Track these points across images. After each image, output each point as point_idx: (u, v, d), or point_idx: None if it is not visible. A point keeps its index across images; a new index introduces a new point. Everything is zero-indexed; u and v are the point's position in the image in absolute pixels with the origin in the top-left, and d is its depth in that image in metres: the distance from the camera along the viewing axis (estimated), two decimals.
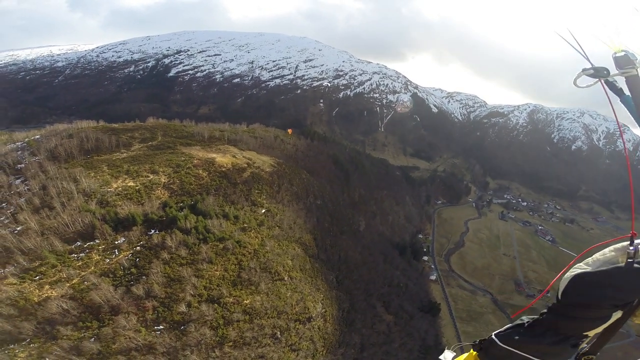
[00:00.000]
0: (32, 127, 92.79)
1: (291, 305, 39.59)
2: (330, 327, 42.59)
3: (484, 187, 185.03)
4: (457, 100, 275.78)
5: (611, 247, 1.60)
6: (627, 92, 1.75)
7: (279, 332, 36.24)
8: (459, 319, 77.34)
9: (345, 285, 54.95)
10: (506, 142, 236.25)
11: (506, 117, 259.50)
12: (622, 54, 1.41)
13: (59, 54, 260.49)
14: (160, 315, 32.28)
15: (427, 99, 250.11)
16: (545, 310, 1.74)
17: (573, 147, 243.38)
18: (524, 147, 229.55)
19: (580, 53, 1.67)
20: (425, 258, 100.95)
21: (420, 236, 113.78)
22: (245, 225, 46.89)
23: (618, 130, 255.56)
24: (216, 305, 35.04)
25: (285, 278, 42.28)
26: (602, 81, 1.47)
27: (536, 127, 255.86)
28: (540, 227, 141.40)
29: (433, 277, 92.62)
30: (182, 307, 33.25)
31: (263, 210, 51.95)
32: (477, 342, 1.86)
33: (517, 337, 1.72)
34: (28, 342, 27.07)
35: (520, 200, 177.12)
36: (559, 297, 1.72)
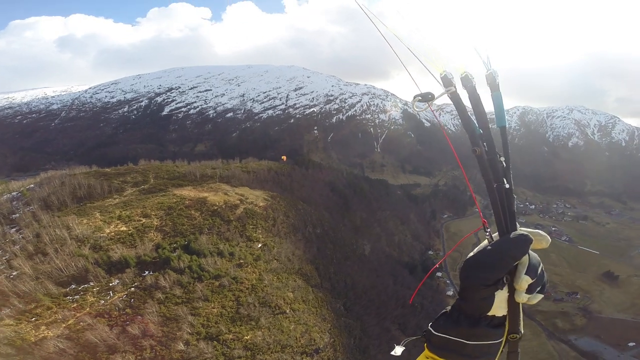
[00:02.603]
0: (31, 174, 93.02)
1: (295, 338, 37.67)
2: (342, 357, 40.14)
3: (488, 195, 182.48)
4: (447, 112, 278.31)
5: (495, 234, 1.79)
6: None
7: None
8: None
9: (355, 311, 52.43)
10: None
11: None
12: (444, 73, 1.68)
13: (54, 96, 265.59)
14: (158, 353, 31.49)
15: (418, 114, 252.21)
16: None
17: (570, 144, 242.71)
18: (520, 150, 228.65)
19: (412, 79, 1.94)
20: (439, 274, 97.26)
21: (431, 252, 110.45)
22: (242, 261, 45.79)
23: (610, 122, 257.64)
24: (215, 342, 33.95)
25: (287, 311, 40.34)
26: (431, 104, 1.74)
27: (529, 128, 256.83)
28: (554, 229, 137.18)
29: (450, 293, 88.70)
30: (181, 346, 32.35)
31: (259, 245, 50.94)
32: (423, 333, 1.88)
33: (442, 324, 1.78)
34: None
35: (527, 203, 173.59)
36: None
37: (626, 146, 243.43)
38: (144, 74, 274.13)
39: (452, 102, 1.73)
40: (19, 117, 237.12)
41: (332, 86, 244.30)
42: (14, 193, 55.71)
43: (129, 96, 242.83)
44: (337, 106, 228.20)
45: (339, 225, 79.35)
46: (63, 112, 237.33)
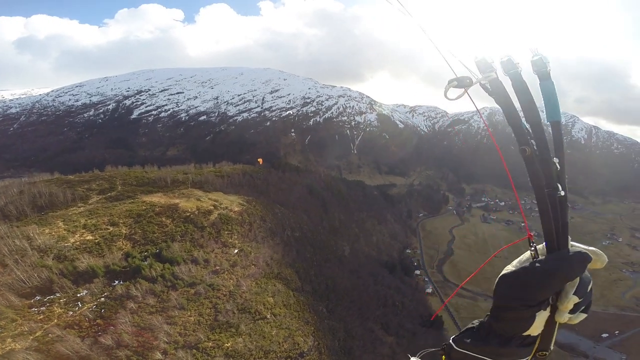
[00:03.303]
0: None
1: (278, 342, 36.47)
2: (327, 359, 39.20)
3: (460, 193, 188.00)
4: (420, 114, 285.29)
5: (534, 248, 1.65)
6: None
7: None
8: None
9: (338, 313, 51.77)
10: (472, 147, 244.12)
11: (467, 123, 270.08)
12: (481, 57, 1.52)
13: (12, 99, 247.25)
14: None
15: (392, 115, 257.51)
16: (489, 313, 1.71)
17: None
18: (489, 150, 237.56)
19: (448, 64, 1.69)
20: (418, 272, 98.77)
21: (409, 251, 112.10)
22: (217, 267, 44.07)
23: (570, 121, 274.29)
24: (194, 350, 32.42)
25: (268, 316, 39.07)
26: (468, 90, 1.55)
27: (496, 128, 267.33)
28: (523, 224, 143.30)
29: (429, 290, 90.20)
30: (158, 355, 30.81)
31: (235, 251, 49.34)
32: (442, 347, 1.80)
33: (468, 340, 1.69)
34: None
35: (497, 200, 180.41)
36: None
37: (585, 144, 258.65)
38: (111, 76, 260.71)
39: (490, 91, 1.48)
40: None
41: (309, 89, 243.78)
42: None
43: (95, 99, 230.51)
44: (314, 109, 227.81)
45: (318, 228, 78.67)
46: (22, 117, 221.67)
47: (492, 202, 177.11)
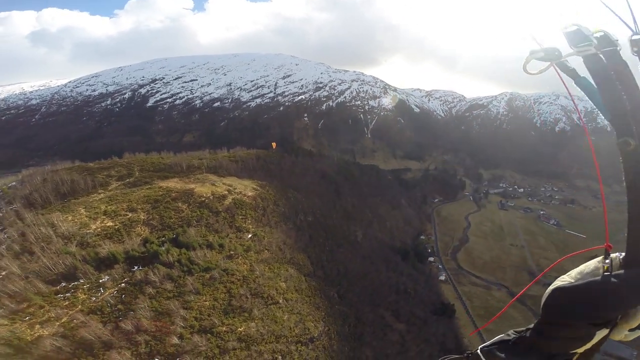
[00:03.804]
0: (14, 171, 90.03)
1: (289, 327, 37.35)
2: (337, 344, 40.09)
3: (478, 179, 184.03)
4: (436, 98, 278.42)
5: (599, 258, 1.44)
6: (581, 73, 1.56)
7: (280, 357, 33.94)
8: (478, 316, 73.75)
9: (349, 299, 52.30)
10: (491, 132, 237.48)
11: (486, 108, 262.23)
12: (574, 28, 1.26)
13: (32, 91, 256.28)
14: (153, 348, 31.03)
15: (407, 100, 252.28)
16: (530, 326, 1.56)
17: (557, 128, 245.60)
18: (509, 135, 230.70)
19: (526, 35, 1.50)
20: (431, 259, 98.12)
21: (423, 237, 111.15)
22: (232, 252, 44.92)
23: (595, 108, 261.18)
24: (209, 335, 33.42)
25: (280, 301, 39.89)
26: (555, 64, 1.35)
27: (517, 114, 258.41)
28: (542, 212, 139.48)
29: (442, 278, 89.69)
30: (175, 340, 31.89)
31: (249, 236, 50.03)
32: (465, 355, 1.67)
33: (501, 355, 1.56)
34: None
35: (516, 187, 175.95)
36: (540, 312, 1.57)
37: (611, 131, 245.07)
38: (126, 65, 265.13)
39: (590, 68, 1.29)
40: None
41: (321, 73, 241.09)
42: None
43: (111, 89, 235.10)
44: (327, 93, 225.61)
45: (331, 212, 78.71)
46: (43, 107, 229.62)
47: (511, 189, 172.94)
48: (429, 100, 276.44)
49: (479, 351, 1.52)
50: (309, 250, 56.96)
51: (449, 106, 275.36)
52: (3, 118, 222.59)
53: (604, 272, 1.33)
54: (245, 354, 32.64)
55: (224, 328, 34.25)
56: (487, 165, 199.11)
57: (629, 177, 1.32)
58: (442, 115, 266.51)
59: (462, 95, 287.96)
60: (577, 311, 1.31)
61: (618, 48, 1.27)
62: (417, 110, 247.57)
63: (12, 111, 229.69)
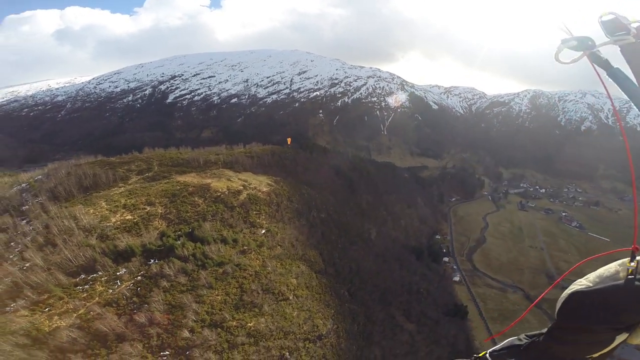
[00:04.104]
0: (41, 165, 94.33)
1: (298, 324, 37.77)
2: (345, 343, 40.29)
3: (497, 178, 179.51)
4: (455, 95, 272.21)
5: (619, 261, 1.37)
6: (614, 64, 1.49)
7: (287, 353, 34.34)
8: (491, 319, 72.45)
9: (359, 297, 52.40)
10: (513, 130, 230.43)
11: (508, 105, 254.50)
12: (611, 17, 1.23)
13: (58, 88, 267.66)
14: (164, 341, 31.87)
15: (425, 96, 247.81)
16: (543, 330, 1.50)
17: (582, 127, 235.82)
18: (531, 133, 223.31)
19: (559, 24, 1.43)
20: (446, 259, 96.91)
21: (438, 237, 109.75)
22: (245, 247, 45.57)
23: (625, 106, 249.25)
24: (219, 329, 34.11)
25: (290, 297, 40.32)
26: (588, 54, 1.30)
27: (540, 112, 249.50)
28: (564, 214, 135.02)
29: (456, 278, 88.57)
30: (186, 333, 32.66)
31: (263, 231, 50.57)
32: (474, 358, 1.66)
33: (510, 358, 1.49)
34: None
35: (537, 187, 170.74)
36: (556, 317, 1.50)
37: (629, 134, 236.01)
38: (146, 63, 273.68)
39: (627, 57, 1.22)
40: (25, 109, 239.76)
41: (337, 69, 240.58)
42: (24, 184, 56.42)
43: (132, 85, 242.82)
44: (342, 89, 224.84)
45: (344, 209, 78.64)
46: (68, 104, 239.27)
47: (532, 189, 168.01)
48: (447, 96, 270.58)
49: (487, 355, 1.49)
50: (321, 247, 57.21)
51: (468, 103, 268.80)
52: (31, 114, 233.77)
53: (629, 274, 1.26)
54: (254, 350, 33.15)
55: (234, 323, 34.85)
56: (508, 164, 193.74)
57: None
58: (462, 112, 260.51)
59: (483, 92, 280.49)
60: (598, 316, 1.24)
61: None
62: (435, 107, 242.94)
63: (39, 107, 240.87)
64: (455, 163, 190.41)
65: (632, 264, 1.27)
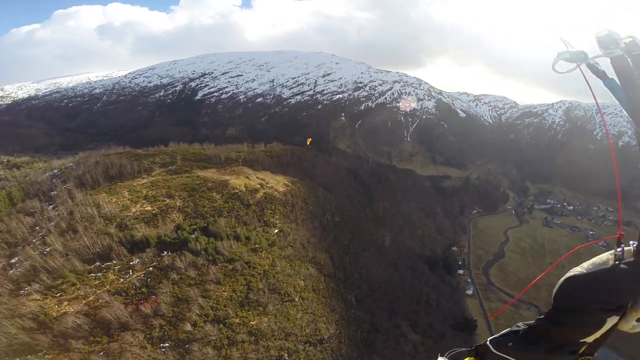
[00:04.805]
0: (75, 153, 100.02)
1: (301, 326, 38.24)
2: (346, 349, 40.40)
3: (523, 192, 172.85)
4: (485, 103, 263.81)
5: (610, 251, 1.56)
6: (610, 75, 1.63)
7: (286, 354, 34.90)
8: None
9: (366, 304, 52.33)
10: (544, 143, 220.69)
11: (540, 116, 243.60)
12: (605, 32, 1.39)
13: (96, 81, 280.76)
14: (166, 333, 32.86)
15: (452, 104, 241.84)
16: (541, 316, 1.64)
17: (620, 143, 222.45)
18: (564, 147, 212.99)
19: (560, 38, 1.60)
20: (461, 272, 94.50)
21: (455, 249, 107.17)
22: (257, 245, 46.58)
23: None
24: (221, 325, 34.95)
25: (296, 299, 40.93)
26: (580, 66, 1.46)
27: (575, 124, 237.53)
28: (591, 232, 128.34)
29: (469, 292, 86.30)
30: (188, 327, 33.59)
31: (276, 231, 51.47)
32: (473, 348, 1.83)
33: (510, 344, 1.65)
34: (43, 354, 28.81)
35: (565, 204, 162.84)
36: (552, 301, 1.63)
37: None
38: (179, 60, 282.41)
39: (617, 68, 1.37)
40: (65, 100, 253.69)
41: (362, 73, 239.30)
42: (55, 171, 59.88)
43: (164, 81, 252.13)
44: (366, 93, 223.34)
45: (360, 215, 78.43)
46: (105, 96, 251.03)
47: (559, 205, 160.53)
48: (476, 105, 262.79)
49: (488, 342, 1.68)
50: (332, 251, 57.43)
51: (498, 112, 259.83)
52: (70, 105, 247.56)
53: (616, 260, 1.50)
54: (253, 348, 33.76)
55: (237, 320, 35.65)
56: (535, 178, 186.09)
57: None
58: (490, 121, 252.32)
59: (514, 102, 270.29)
60: (590, 297, 1.43)
61: None
62: (462, 115, 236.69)
63: (78, 99, 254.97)
64: (479, 174, 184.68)
65: (619, 250, 1.49)
